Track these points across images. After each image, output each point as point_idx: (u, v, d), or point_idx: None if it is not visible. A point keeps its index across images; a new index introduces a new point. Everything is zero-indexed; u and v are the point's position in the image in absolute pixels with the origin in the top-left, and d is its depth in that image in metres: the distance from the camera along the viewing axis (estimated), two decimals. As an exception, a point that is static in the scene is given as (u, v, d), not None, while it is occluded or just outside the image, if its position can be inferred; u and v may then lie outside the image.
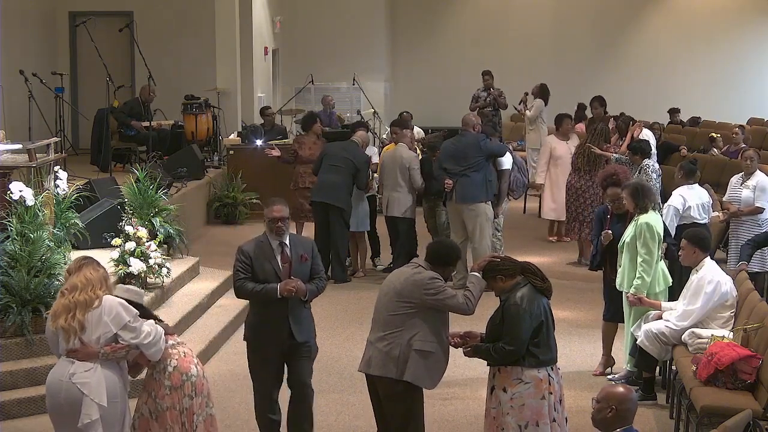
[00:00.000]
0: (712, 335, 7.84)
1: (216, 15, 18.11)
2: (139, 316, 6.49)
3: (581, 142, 13.63)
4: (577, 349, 9.90)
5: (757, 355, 7.35)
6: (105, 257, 9.58)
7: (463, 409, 8.42)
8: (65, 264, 8.48)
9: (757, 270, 10.20)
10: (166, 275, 10.09)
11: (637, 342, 8.42)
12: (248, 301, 7.44)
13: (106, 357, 6.21)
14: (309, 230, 13.19)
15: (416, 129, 15.81)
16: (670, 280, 8.76)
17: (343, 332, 10.42)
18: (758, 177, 10.72)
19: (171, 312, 9.67)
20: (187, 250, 11.59)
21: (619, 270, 8.75)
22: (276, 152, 13.78)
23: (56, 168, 10.33)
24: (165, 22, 18.40)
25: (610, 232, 9.02)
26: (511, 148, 13.21)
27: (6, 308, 8.46)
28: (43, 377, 6.78)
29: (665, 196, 11.12)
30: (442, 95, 22.91)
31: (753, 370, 7.32)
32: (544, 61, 23.19)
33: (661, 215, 9.39)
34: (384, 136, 17.59)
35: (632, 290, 8.57)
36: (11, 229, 8.84)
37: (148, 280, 9.87)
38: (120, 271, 9.65)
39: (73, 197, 10.15)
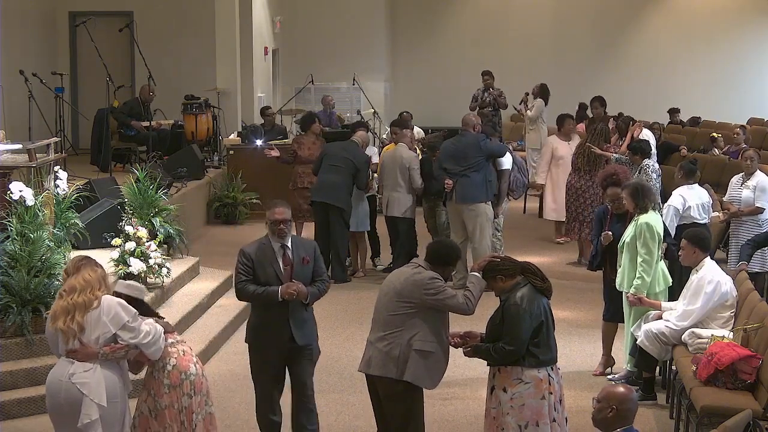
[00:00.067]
0: (712, 335, 7.84)
1: (216, 15, 18.12)
2: (140, 312, 6.50)
3: (581, 141, 13.63)
4: (577, 349, 9.90)
5: (757, 355, 7.35)
6: (105, 257, 9.60)
7: (463, 409, 8.43)
8: (65, 264, 8.47)
9: (757, 270, 10.20)
10: (166, 275, 10.09)
11: (637, 342, 8.42)
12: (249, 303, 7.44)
13: (106, 357, 6.21)
14: (308, 230, 13.20)
15: (416, 129, 15.80)
16: (670, 280, 8.76)
17: (343, 332, 10.42)
18: (758, 177, 10.71)
19: (171, 312, 9.67)
20: (187, 250, 11.59)
21: (619, 270, 8.75)
22: (275, 153, 13.78)
23: (56, 168, 10.33)
24: (165, 22, 18.39)
25: (610, 233, 9.02)
26: (511, 148, 13.21)
27: (6, 308, 8.46)
28: (43, 377, 6.78)
29: (665, 196, 11.12)
30: (442, 95, 22.91)
31: (753, 370, 7.31)
32: (544, 61, 23.19)
33: (661, 215, 9.39)
34: (384, 136, 17.58)
35: (632, 290, 8.57)
36: (11, 229, 8.83)
37: (148, 280, 9.87)
38: (120, 271, 9.66)
39: (73, 197, 10.14)
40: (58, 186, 10.00)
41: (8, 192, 8.97)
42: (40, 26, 18.00)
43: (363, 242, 12.87)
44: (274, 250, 7.08)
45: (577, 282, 12.22)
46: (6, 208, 9.02)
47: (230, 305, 10.69)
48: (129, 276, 9.61)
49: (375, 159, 13.46)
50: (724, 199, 11.19)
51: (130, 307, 6.34)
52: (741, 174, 10.94)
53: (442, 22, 24.08)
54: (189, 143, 15.90)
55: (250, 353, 7.27)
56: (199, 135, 16.37)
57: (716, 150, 16.61)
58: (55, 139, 11.45)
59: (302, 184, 13.25)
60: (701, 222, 10.19)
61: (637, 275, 8.54)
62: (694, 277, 8.29)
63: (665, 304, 8.52)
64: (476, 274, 6.55)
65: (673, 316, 8.28)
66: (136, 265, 9.73)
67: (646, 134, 14.06)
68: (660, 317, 8.40)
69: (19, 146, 10.33)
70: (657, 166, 12.65)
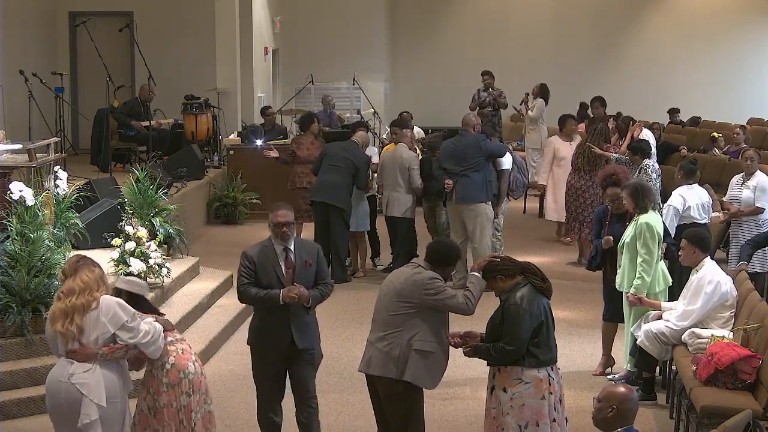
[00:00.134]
0: (712, 335, 7.84)
1: (216, 15, 18.11)
2: (142, 307, 6.50)
3: (581, 141, 13.63)
4: (577, 349, 9.90)
5: (757, 355, 7.35)
6: (105, 257, 9.60)
7: (463, 409, 8.43)
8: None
9: (757, 270, 10.19)
10: (166, 275, 10.09)
11: (637, 342, 8.42)
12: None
13: (105, 357, 6.21)
14: (307, 230, 13.20)
15: (416, 129, 15.80)
16: (670, 280, 8.75)
17: (343, 332, 10.42)
18: (759, 177, 10.71)
19: (171, 312, 9.64)
20: (187, 250, 11.59)
21: (619, 270, 8.75)
22: (274, 153, 13.78)
23: (56, 168, 10.33)
24: (165, 22, 18.39)
25: (611, 238, 9.00)
26: (510, 148, 13.21)
27: (6, 308, 8.46)
28: (43, 377, 6.78)
29: (665, 196, 11.12)
30: (442, 95, 22.91)
31: (753, 370, 7.31)
32: (544, 61, 23.19)
33: (661, 215, 9.39)
34: (384, 136, 17.58)
35: (632, 290, 8.57)
36: (11, 229, 8.83)
37: (148, 280, 9.85)
38: (120, 271, 9.66)
39: (73, 197, 10.14)
40: (58, 186, 9.99)
41: (8, 192, 8.96)
42: (40, 26, 18.00)
43: (363, 242, 12.87)
44: (276, 253, 7.04)
45: (577, 282, 12.22)
46: (6, 208, 9.01)
47: (230, 305, 10.69)
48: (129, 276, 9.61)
49: (375, 159, 13.45)
50: (725, 199, 11.19)
51: (129, 306, 6.34)
52: (741, 174, 10.93)
53: (442, 22, 24.08)
54: (189, 143, 15.90)
55: (252, 355, 7.27)
56: (199, 135, 16.37)
57: (716, 150, 16.60)
58: (55, 139, 11.44)
59: (301, 184, 13.26)
60: (701, 222, 10.19)
61: (637, 275, 8.54)
62: (694, 277, 8.29)
63: (665, 304, 8.52)
64: (476, 274, 6.55)
65: (673, 316, 8.28)
66: (136, 265, 9.74)
67: (646, 134, 14.06)
68: (660, 317, 8.40)
69: (19, 146, 10.33)
70: (657, 166, 12.65)
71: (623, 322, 8.94)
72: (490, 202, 11.76)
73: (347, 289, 12.02)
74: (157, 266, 9.95)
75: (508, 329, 6.25)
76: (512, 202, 13.57)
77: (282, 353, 7.07)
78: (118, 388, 6.29)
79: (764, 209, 10.60)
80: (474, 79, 18.79)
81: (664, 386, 8.73)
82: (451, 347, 6.60)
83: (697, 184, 10.56)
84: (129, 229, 10.07)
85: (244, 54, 18.68)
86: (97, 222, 10.84)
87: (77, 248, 9.99)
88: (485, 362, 6.45)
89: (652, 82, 23.52)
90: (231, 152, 16.30)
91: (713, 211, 10.90)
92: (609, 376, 9.04)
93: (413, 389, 6.56)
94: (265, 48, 20.40)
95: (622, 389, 5.05)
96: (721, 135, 17.05)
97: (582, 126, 16.03)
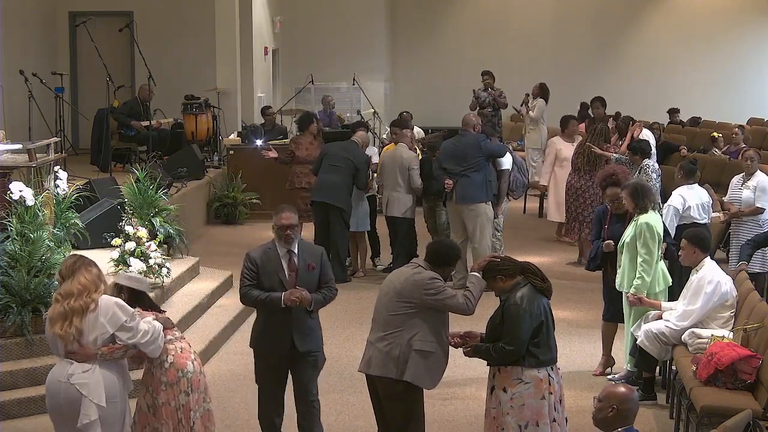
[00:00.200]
0: (712, 335, 7.84)
1: (216, 15, 18.12)
2: (143, 304, 6.50)
3: (581, 141, 13.63)
4: (577, 349, 9.90)
5: (757, 355, 7.34)
6: (105, 257, 9.61)
7: (463, 409, 8.42)
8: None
9: (757, 270, 10.20)
10: (166, 275, 10.09)
11: (637, 342, 8.41)
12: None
13: (104, 358, 6.21)
14: (307, 230, 13.17)
15: (416, 129, 15.80)
16: (670, 280, 8.75)
17: (343, 332, 10.42)
18: (759, 177, 10.71)
19: (171, 312, 9.55)
20: (187, 250, 11.59)
21: (619, 270, 8.75)
22: (273, 154, 13.77)
23: (56, 168, 10.33)
24: (165, 22, 18.40)
25: (611, 242, 8.99)
26: (511, 148, 13.20)
27: (6, 308, 8.45)
28: (43, 377, 6.78)
29: (665, 196, 11.12)
30: (442, 95, 22.91)
31: (753, 370, 7.31)
32: (544, 61, 23.19)
33: (661, 215, 9.39)
34: (384, 136, 17.58)
35: (632, 290, 8.56)
36: (11, 229, 8.83)
37: (148, 280, 9.85)
38: (120, 272, 9.65)
39: (73, 197, 10.14)
40: (58, 186, 9.99)
41: (8, 192, 8.97)
42: (40, 26, 18.01)
43: (363, 242, 12.87)
44: (279, 256, 7.02)
45: (577, 282, 12.22)
46: (6, 208, 9.02)
47: (230, 305, 10.69)
48: (129, 276, 9.62)
49: (375, 159, 13.45)
50: (725, 199, 11.19)
51: (128, 306, 6.33)
52: (741, 174, 10.93)
53: (442, 22, 24.08)
54: (189, 143, 15.90)
55: (254, 356, 7.26)
56: (199, 135, 16.37)
57: (716, 150, 16.60)
58: (55, 139, 11.44)
59: (300, 184, 13.26)
60: (701, 222, 10.19)
61: (637, 275, 8.53)
62: (694, 277, 8.28)
63: (665, 304, 8.52)
64: (476, 274, 6.54)
65: (673, 316, 8.28)
66: (136, 265, 9.74)
67: (646, 134, 14.06)
68: (660, 317, 8.40)
69: (19, 146, 10.33)
70: (657, 166, 12.65)
71: (623, 322, 8.94)
72: (490, 202, 11.76)
73: (347, 289, 12.00)
74: (157, 266, 9.95)
75: (508, 329, 6.25)
76: (512, 202, 13.58)
77: (284, 356, 7.06)
78: (117, 388, 6.29)
79: (764, 209, 10.60)
80: (474, 79, 18.79)
81: (664, 386, 8.72)
82: (451, 347, 6.60)
83: (697, 184, 10.56)
84: (129, 229, 10.07)
85: (244, 54, 18.68)
86: (97, 222, 10.83)
87: (77, 248, 9.99)
88: (485, 362, 6.45)
89: (652, 82, 23.52)
90: (231, 152, 16.31)
91: (713, 211, 10.90)
92: (609, 376, 9.04)
93: (413, 389, 6.56)
94: (265, 48, 20.40)
95: (622, 389, 5.05)
96: (720, 135, 17.05)
97: (582, 126, 16.02)
